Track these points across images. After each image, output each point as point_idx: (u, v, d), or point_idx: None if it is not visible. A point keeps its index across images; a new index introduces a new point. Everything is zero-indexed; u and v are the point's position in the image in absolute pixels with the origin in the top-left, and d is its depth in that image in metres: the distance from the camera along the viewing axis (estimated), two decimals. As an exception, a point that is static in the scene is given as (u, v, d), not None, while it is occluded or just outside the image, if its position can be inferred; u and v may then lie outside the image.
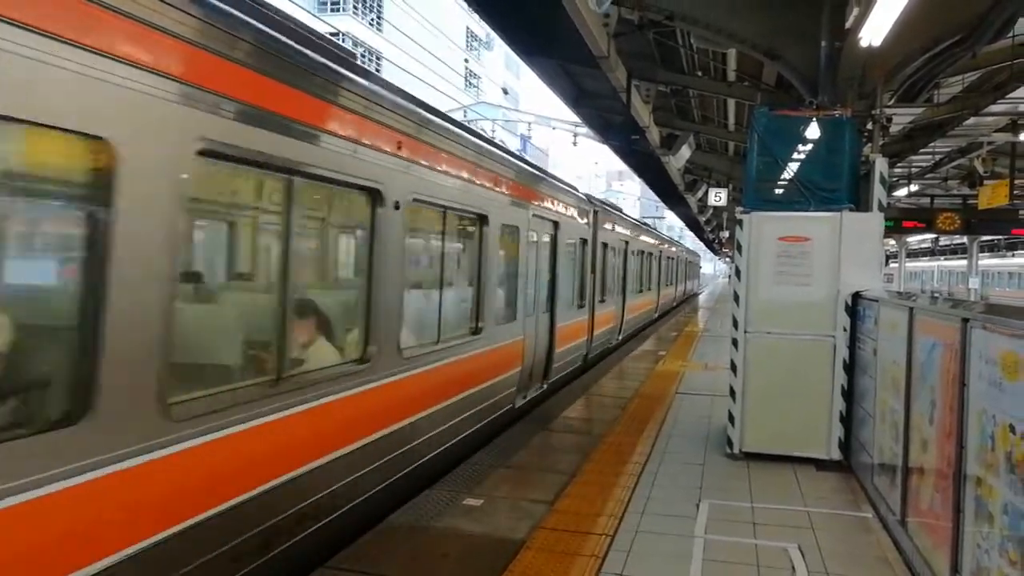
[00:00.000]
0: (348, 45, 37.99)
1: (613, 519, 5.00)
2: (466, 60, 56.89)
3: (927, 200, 24.26)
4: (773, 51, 9.94)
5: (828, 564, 4.35)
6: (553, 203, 9.85)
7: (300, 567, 4.17)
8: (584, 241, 12.15)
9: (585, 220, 12.12)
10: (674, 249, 30.90)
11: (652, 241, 22.24)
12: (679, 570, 4.24)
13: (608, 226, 14.24)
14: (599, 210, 13.30)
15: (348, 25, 42.52)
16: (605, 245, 13.90)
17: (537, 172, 9.76)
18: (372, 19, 46.93)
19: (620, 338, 16.45)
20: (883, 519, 4.98)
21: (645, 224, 24.05)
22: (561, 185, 10.92)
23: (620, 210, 18.81)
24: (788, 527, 4.96)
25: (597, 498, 5.42)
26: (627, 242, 16.61)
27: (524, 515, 5.03)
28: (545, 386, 9.78)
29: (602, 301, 13.68)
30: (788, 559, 4.42)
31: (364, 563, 4.22)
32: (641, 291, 19.67)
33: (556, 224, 10.03)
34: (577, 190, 12.40)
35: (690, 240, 76.79)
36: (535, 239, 9.12)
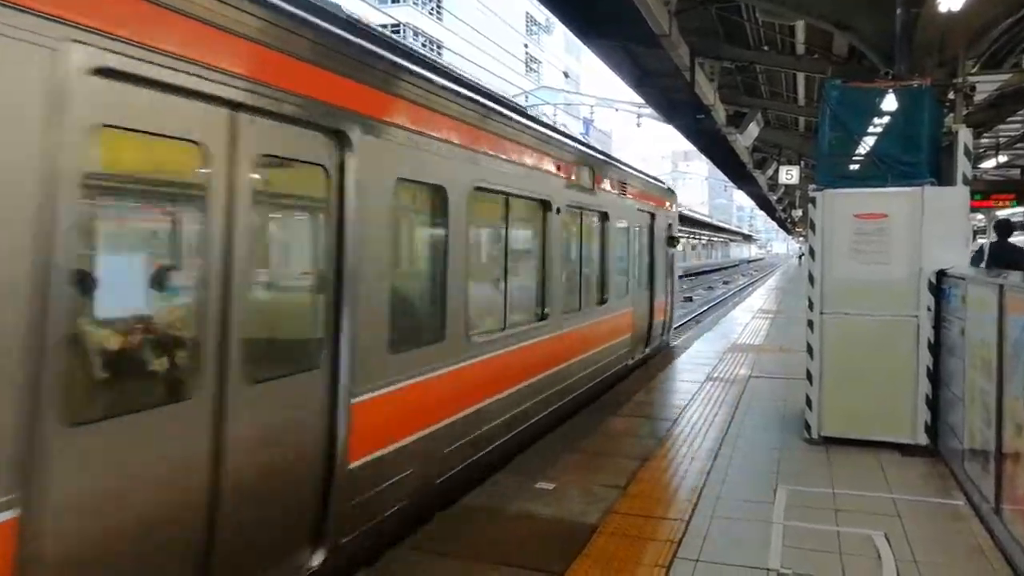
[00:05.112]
0: (409, 36, 38.36)
1: (688, 504, 4.94)
2: (526, 45, 56.65)
3: (1017, 171, 22.97)
4: (843, 21, 9.54)
5: (916, 553, 4.19)
6: None
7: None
8: None
9: None
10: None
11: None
12: (758, 556, 4.15)
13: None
14: None
15: (408, 15, 42.90)
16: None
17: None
18: (432, 8, 47.23)
19: None
20: (976, 507, 4.76)
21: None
22: None
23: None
24: (872, 514, 4.79)
25: (670, 483, 5.37)
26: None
27: (596, 499, 5.03)
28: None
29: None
30: (873, 546, 4.27)
31: (438, 543, 4.30)
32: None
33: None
34: None
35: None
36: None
